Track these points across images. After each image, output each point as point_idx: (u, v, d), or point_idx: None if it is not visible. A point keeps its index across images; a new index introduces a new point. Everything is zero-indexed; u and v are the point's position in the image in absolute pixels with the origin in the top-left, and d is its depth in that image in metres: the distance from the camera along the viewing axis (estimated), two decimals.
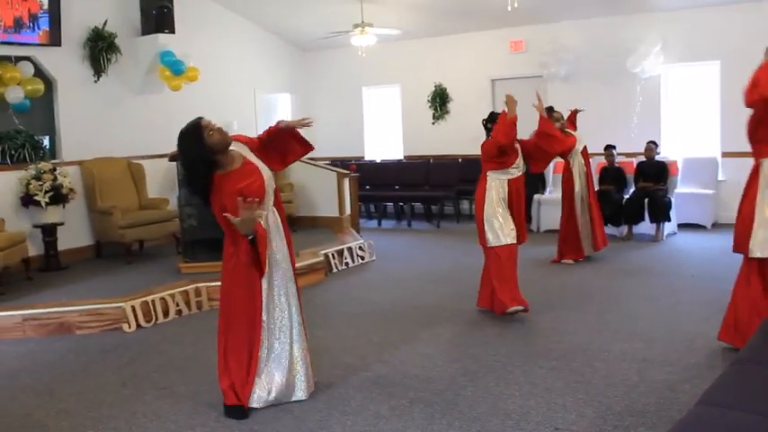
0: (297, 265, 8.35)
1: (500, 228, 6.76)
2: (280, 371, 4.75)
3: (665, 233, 10.76)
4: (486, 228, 6.83)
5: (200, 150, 4.38)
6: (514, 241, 6.83)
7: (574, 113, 9.91)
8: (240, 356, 4.66)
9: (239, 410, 4.63)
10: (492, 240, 6.80)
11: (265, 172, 4.61)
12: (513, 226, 6.81)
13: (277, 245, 4.68)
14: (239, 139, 4.72)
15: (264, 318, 4.67)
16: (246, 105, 13.74)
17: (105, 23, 10.50)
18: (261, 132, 4.91)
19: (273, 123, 4.86)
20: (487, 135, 7.01)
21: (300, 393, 4.84)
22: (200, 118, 4.51)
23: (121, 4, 10.89)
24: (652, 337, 5.98)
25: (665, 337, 5.99)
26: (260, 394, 4.71)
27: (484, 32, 13.58)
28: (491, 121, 7.02)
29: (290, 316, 4.77)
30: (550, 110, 9.29)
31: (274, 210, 4.69)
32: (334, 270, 9.24)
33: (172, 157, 9.15)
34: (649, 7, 11.78)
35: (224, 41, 13.13)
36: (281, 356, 4.75)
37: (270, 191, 4.62)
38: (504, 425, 4.38)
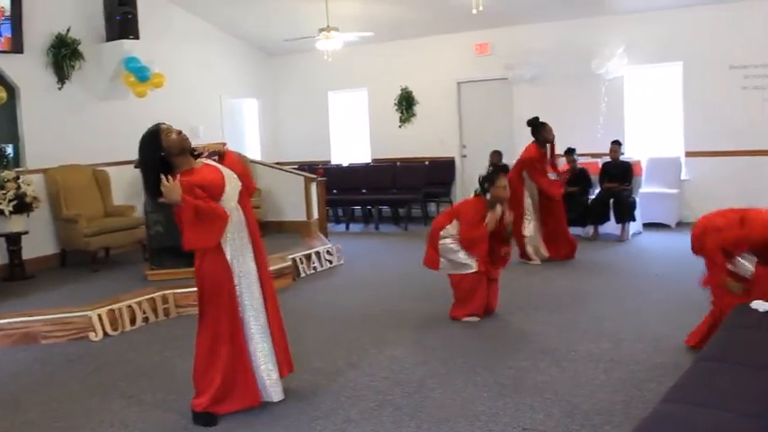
0: None
1: (456, 256, 6.78)
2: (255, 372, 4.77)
3: (631, 233, 10.87)
4: (441, 252, 6.86)
5: (155, 151, 4.48)
6: (473, 269, 6.75)
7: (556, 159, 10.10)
8: (226, 360, 4.65)
9: (208, 417, 4.61)
10: (446, 268, 6.88)
11: (227, 173, 4.64)
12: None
13: (239, 244, 4.65)
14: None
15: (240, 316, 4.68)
16: (212, 110, 13.68)
17: (69, 30, 10.38)
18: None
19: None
20: (482, 192, 6.80)
21: (273, 396, 4.83)
22: (160, 123, 4.60)
23: (85, 10, 10.79)
24: (619, 337, 6.04)
25: (632, 336, 6.05)
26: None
27: (449, 35, 13.63)
28: (489, 181, 6.73)
29: (253, 318, 4.72)
30: (536, 122, 9.54)
31: (239, 207, 4.66)
32: (303, 275, 9.22)
33: (138, 164, 9.07)
34: (612, 10, 11.90)
35: (189, 47, 13.06)
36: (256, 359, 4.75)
37: (231, 188, 4.61)
38: (472, 426, 4.40)
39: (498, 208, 6.81)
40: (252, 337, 4.71)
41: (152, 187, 4.44)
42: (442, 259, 6.86)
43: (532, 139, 9.59)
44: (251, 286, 4.70)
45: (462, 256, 6.75)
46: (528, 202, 9.48)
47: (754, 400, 3.21)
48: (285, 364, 4.97)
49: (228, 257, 4.59)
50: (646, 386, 4.90)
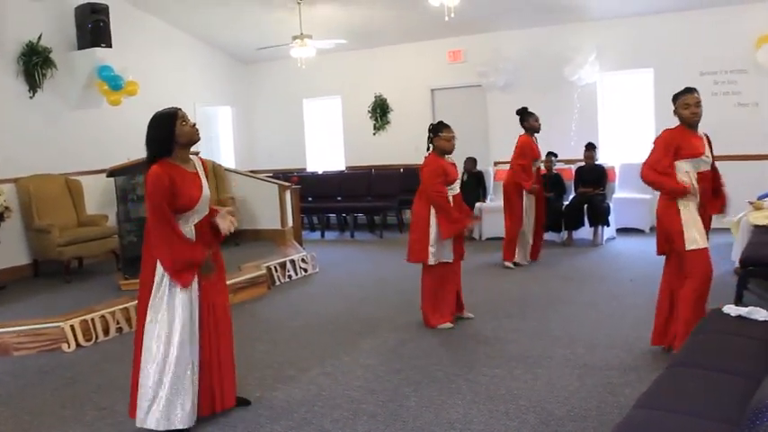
0: (239, 279, 8.36)
1: (447, 244, 6.72)
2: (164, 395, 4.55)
3: (605, 238, 10.93)
4: (430, 245, 6.69)
5: (166, 135, 4.53)
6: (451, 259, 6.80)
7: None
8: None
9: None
10: (434, 257, 6.72)
11: (204, 191, 4.64)
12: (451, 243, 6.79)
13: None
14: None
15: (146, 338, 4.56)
16: None
17: (40, 38, 10.30)
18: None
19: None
20: (428, 145, 6.92)
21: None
22: (177, 108, 4.66)
23: (56, 17, 10.71)
24: (593, 343, 6.07)
25: (606, 341, 6.08)
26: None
27: (422, 43, 13.67)
28: (433, 132, 6.86)
29: (179, 343, 4.53)
30: (525, 111, 9.75)
31: (192, 229, 4.59)
32: (277, 283, 9.19)
33: (111, 173, 9.02)
34: (584, 17, 11.98)
35: (163, 55, 13.01)
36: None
37: (198, 209, 4.60)
38: None
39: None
40: (165, 363, 4.52)
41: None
42: (431, 249, 6.69)
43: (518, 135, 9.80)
44: (180, 316, 4.53)
45: (444, 247, 6.72)
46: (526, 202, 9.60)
47: (727, 405, 3.23)
48: (215, 398, 4.79)
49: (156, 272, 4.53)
50: (620, 391, 4.93)
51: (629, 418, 3.22)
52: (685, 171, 5.46)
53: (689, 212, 5.42)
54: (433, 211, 6.71)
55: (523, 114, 9.77)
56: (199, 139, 4.66)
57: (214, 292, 4.73)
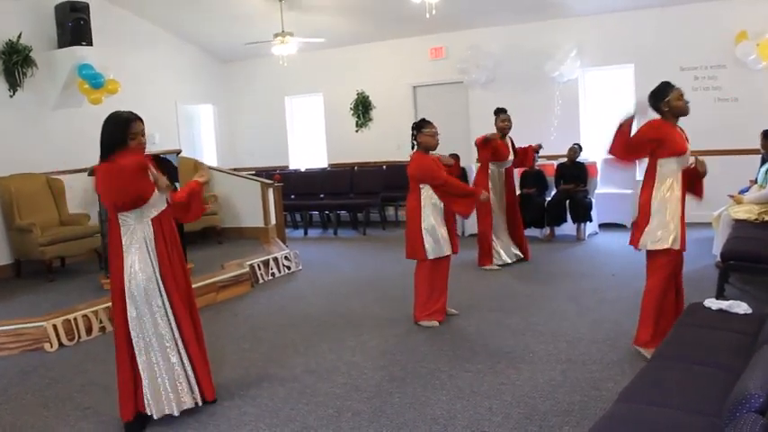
0: (222, 277, 8.34)
1: (442, 238, 6.71)
2: (150, 386, 4.67)
3: (587, 233, 10.98)
4: (425, 240, 6.70)
5: (120, 138, 4.56)
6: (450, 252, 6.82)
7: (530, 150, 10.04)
8: (123, 371, 4.69)
9: (132, 426, 4.67)
10: (432, 252, 6.72)
11: (159, 186, 4.69)
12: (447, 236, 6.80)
13: (140, 261, 4.60)
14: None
15: (133, 333, 4.63)
16: (168, 117, 13.57)
17: (20, 36, 10.23)
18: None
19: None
20: (412, 143, 6.95)
21: (171, 408, 4.72)
22: (134, 117, 4.68)
23: (36, 16, 10.63)
24: (576, 337, 6.10)
25: (589, 336, 6.11)
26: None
27: (404, 40, 13.66)
28: (417, 128, 6.87)
29: (156, 333, 4.66)
30: (502, 111, 9.49)
31: (149, 223, 4.63)
32: (261, 281, 9.18)
33: (92, 172, 8.95)
34: (565, 13, 12.02)
35: (144, 53, 12.94)
36: (151, 372, 4.68)
37: (154, 200, 4.64)
38: (431, 430, 4.42)
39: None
40: (154, 351, 4.68)
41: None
42: (427, 245, 6.71)
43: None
44: (152, 304, 4.65)
45: (444, 240, 6.73)
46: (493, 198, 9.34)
47: (707, 398, 3.26)
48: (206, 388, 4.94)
49: (126, 265, 4.59)
50: (603, 385, 4.96)
51: (612, 411, 3.25)
52: (673, 170, 5.54)
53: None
54: (423, 204, 6.72)
55: (495, 114, 9.58)
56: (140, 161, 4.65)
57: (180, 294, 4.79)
